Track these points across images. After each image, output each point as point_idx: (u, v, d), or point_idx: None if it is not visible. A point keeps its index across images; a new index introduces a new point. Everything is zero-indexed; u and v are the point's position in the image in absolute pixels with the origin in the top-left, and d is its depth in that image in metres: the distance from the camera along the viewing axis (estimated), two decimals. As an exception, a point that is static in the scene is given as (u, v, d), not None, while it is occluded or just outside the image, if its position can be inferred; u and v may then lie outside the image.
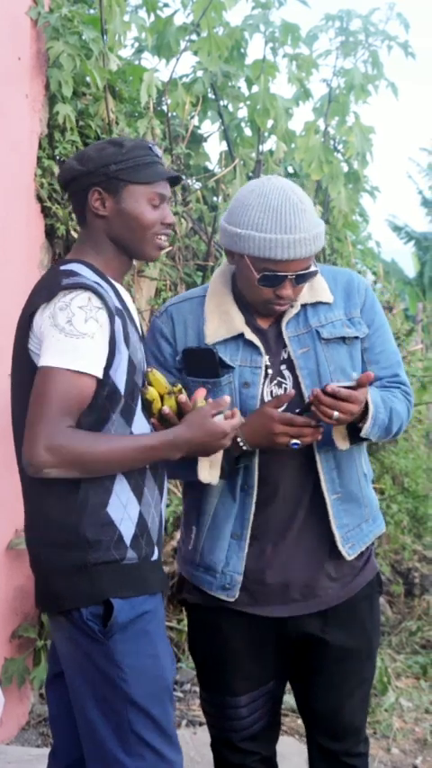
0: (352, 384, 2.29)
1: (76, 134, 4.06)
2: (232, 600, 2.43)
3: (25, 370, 2.20)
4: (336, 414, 2.26)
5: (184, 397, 2.25)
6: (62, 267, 2.24)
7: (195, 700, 4.15)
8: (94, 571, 2.17)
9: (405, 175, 16.08)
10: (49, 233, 4.04)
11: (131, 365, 2.20)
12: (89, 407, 2.15)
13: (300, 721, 2.63)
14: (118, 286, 2.30)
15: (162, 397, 2.27)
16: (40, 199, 3.95)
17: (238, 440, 2.33)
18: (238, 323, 2.42)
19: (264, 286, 2.34)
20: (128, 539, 2.20)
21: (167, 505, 4.45)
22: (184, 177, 4.68)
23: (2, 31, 3.64)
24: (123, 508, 2.19)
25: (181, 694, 4.26)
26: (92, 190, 2.26)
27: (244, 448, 2.35)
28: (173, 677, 2.28)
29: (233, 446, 2.33)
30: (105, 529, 2.18)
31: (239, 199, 2.37)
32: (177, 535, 4.42)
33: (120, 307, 2.23)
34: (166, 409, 2.25)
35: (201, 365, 2.41)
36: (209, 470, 2.35)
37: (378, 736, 4.09)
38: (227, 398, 2.26)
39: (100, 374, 2.14)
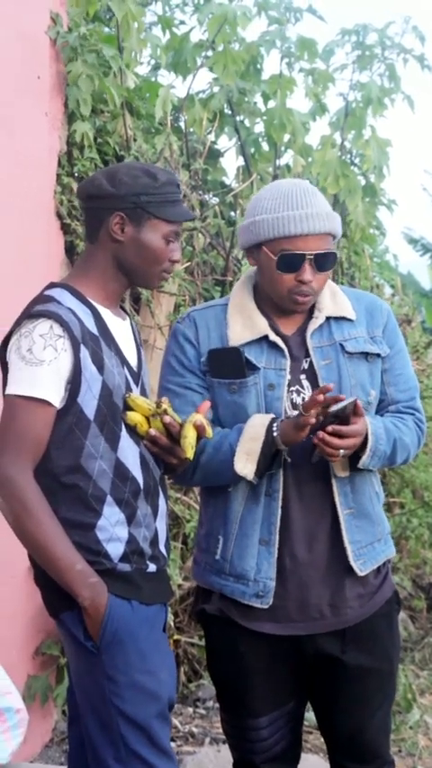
0: (350, 402, 2.29)
1: (95, 151, 4.09)
2: (266, 607, 2.40)
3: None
4: (342, 451, 2.30)
5: (168, 418, 2.26)
6: (46, 292, 2.27)
7: (218, 717, 4.12)
8: None
9: (420, 187, 16.04)
10: (69, 249, 4.06)
11: (105, 389, 2.21)
12: (60, 436, 2.18)
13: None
14: (103, 310, 2.31)
15: (148, 420, 2.27)
16: (59, 216, 3.97)
17: (275, 434, 2.33)
18: (263, 326, 2.44)
19: (283, 271, 2.35)
20: (116, 558, 2.22)
21: (188, 521, 4.43)
22: (201, 193, 4.70)
23: (22, 50, 3.68)
24: (112, 528, 2.21)
25: (204, 711, 4.24)
26: (115, 213, 2.28)
27: (281, 448, 2.34)
28: (170, 694, 2.27)
29: (271, 441, 2.33)
30: (92, 547, 2.20)
31: (254, 198, 2.45)
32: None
33: (95, 333, 2.24)
34: (152, 431, 2.26)
35: (226, 366, 2.42)
36: (244, 463, 2.35)
37: (403, 755, 4.05)
38: None
39: (56, 402, 2.17)
